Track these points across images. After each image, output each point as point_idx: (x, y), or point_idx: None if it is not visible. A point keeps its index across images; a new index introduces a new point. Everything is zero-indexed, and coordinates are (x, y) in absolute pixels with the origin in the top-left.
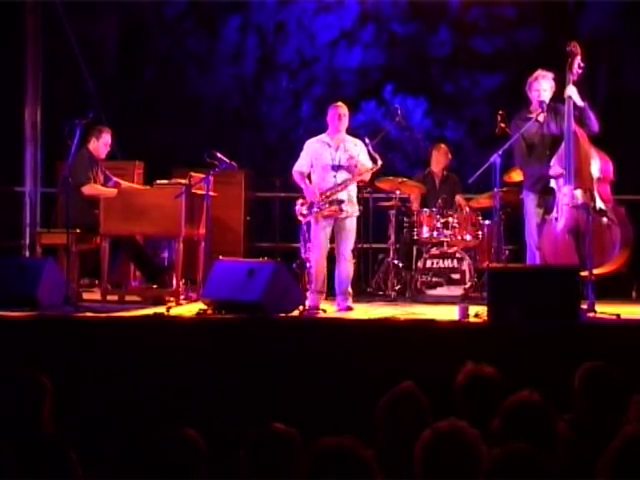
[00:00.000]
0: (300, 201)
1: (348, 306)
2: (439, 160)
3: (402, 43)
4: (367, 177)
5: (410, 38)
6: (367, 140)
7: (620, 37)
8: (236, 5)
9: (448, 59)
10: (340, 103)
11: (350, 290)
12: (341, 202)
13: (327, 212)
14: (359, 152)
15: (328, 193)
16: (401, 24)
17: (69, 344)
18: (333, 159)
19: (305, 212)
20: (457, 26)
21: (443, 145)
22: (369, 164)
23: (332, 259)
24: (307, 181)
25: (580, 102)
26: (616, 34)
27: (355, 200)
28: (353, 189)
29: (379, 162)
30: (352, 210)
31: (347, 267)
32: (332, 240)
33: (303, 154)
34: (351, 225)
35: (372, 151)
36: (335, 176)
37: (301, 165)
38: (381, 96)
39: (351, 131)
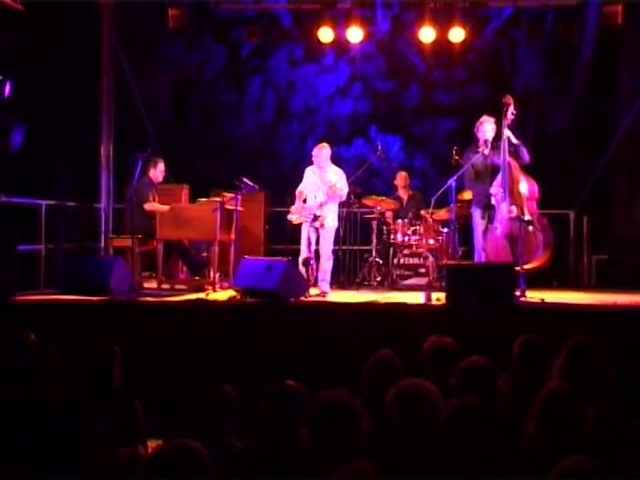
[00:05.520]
0: (292, 209)
1: (324, 291)
2: (399, 185)
3: (383, 96)
4: (344, 197)
5: (388, 92)
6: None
7: (544, 92)
8: (258, 69)
9: (417, 108)
10: (322, 144)
11: (328, 278)
12: (318, 216)
13: (305, 220)
14: (337, 180)
15: (307, 207)
16: (382, 82)
17: (134, 321)
18: (315, 184)
19: (294, 219)
20: (423, 84)
21: (399, 173)
22: (345, 188)
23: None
24: (300, 198)
25: (515, 140)
26: (541, 90)
27: (332, 214)
28: (330, 207)
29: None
30: (327, 222)
31: (326, 262)
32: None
33: (304, 178)
34: (326, 233)
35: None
36: (315, 196)
37: (301, 186)
38: (367, 135)
39: (344, 163)
